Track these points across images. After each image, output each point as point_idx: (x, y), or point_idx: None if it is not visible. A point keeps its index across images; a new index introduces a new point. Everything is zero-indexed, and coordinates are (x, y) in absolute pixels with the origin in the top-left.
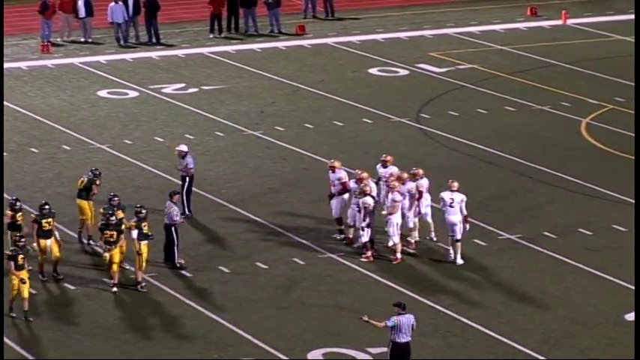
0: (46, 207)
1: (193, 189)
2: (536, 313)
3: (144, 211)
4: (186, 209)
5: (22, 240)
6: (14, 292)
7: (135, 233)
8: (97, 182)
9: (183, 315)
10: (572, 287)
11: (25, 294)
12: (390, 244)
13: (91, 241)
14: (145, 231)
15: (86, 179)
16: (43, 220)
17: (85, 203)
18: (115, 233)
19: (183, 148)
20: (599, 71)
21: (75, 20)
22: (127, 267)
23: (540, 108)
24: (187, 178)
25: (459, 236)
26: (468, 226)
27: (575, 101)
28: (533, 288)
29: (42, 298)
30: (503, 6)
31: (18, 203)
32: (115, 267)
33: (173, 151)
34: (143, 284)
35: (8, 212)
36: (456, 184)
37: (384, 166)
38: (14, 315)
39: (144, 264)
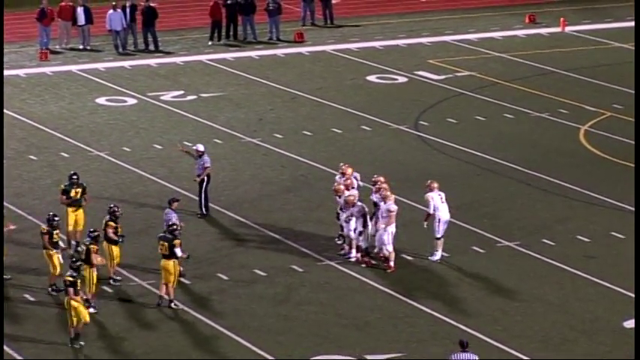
0: (56, 218)
1: (191, 195)
2: (534, 320)
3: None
4: (204, 209)
5: (79, 264)
6: (74, 319)
7: (179, 251)
8: (75, 190)
9: (182, 322)
10: (570, 294)
11: (82, 318)
12: (386, 252)
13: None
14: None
15: (79, 189)
16: (54, 232)
17: (70, 211)
18: (84, 249)
19: (200, 147)
20: (598, 78)
21: (73, 27)
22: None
23: (539, 115)
24: (205, 177)
25: (442, 233)
26: None
27: (574, 108)
28: (531, 295)
29: (42, 305)
30: (501, 13)
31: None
32: (92, 286)
33: (182, 151)
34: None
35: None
36: (436, 184)
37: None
38: (82, 344)
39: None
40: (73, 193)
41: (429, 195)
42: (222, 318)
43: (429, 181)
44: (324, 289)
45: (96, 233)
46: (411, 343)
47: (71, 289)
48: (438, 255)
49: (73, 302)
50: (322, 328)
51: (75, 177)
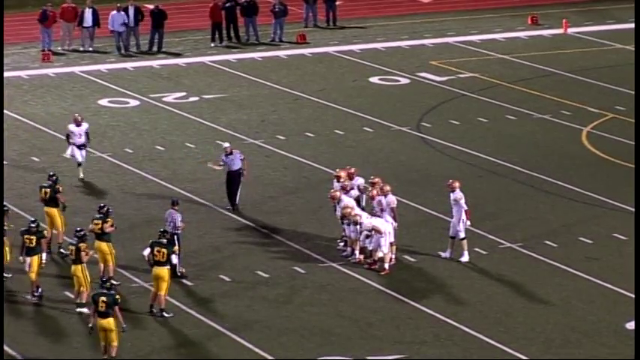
0: (33, 225)
1: (193, 196)
2: (536, 322)
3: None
4: (235, 203)
5: (109, 282)
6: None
7: (175, 258)
8: (60, 188)
9: (184, 324)
10: (572, 296)
11: (110, 341)
12: (380, 254)
13: (62, 250)
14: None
15: (48, 189)
16: (25, 236)
17: (54, 211)
18: (73, 249)
19: (227, 145)
20: (600, 80)
21: (78, 29)
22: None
23: (541, 117)
24: (242, 173)
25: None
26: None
27: (576, 110)
28: (533, 296)
29: (45, 306)
30: (504, 15)
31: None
32: (78, 286)
33: (212, 168)
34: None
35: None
36: (458, 183)
37: (350, 179)
38: None
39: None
40: (42, 194)
41: (459, 194)
42: (224, 319)
43: (450, 181)
44: (327, 291)
45: (82, 232)
46: (414, 344)
47: (116, 307)
48: (466, 255)
49: (108, 323)
50: (325, 330)
51: (54, 177)
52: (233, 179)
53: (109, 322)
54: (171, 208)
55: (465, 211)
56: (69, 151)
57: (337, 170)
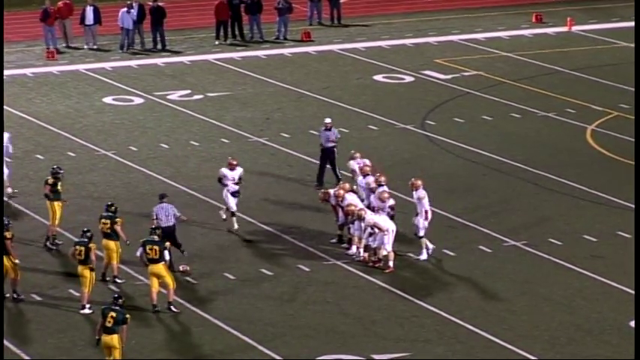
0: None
1: (198, 194)
2: (541, 320)
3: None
4: (339, 175)
5: (122, 300)
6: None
7: (167, 254)
8: (56, 182)
9: (188, 322)
10: (577, 294)
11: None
12: (384, 252)
13: (55, 241)
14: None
15: (51, 181)
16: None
17: (53, 204)
18: (82, 249)
19: (328, 120)
20: (604, 78)
21: (80, 27)
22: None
23: (545, 115)
24: (335, 150)
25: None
26: None
27: (581, 108)
28: (538, 295)
29: (48, 305)
30: (508, 13)
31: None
32: (86, 286)
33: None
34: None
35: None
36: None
37: (364, 176)
38: None
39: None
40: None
41: (422, 192)
42: (228, 317)
43: (412, 179)
44: (331, 289)
45: (90, 233)
46: (418, 342)
47: (125, 326)
48: (424, 254)
49: (112, 340)
50: (328, 328)
51: (55, 169)
52: (326, 155)
53: (113, 338)
54: (160, 202)
55: (425, 211)
56: (224, 196)
57: (342, 185)
